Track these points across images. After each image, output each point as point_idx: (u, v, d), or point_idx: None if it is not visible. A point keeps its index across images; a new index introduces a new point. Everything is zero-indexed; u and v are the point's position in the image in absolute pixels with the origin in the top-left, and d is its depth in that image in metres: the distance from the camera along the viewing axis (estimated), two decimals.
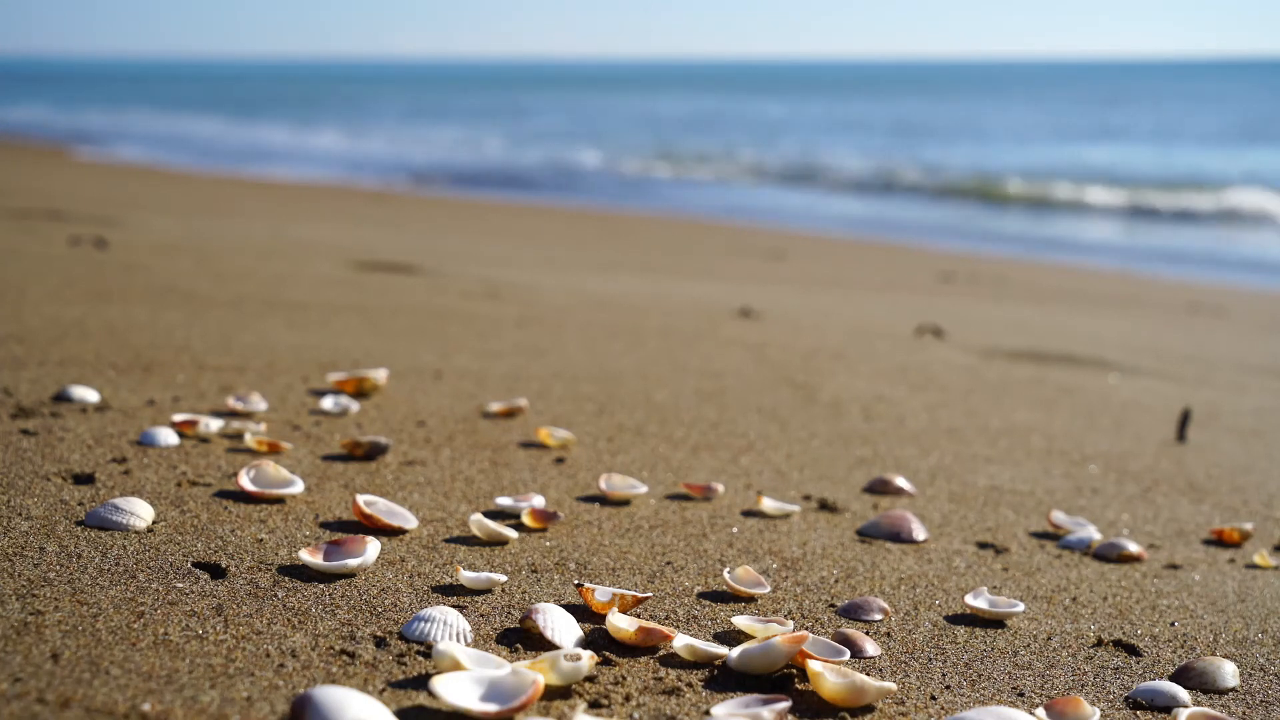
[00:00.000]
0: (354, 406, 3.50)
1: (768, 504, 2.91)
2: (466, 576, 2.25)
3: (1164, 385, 5.21)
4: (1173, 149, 28.70)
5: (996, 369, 5.21)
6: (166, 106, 45.46)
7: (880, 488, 3.19)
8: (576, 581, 2.35)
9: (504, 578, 2.27)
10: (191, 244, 7.37)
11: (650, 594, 2.29)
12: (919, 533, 2.82)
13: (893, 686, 1.93)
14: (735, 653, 1.99)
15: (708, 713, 1.82)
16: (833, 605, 2.36)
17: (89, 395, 3.32)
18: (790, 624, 2.16)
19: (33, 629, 1.87)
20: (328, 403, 3.49)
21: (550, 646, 2.01)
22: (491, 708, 1.72)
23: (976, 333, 6.34)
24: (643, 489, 2.96)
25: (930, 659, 2.15)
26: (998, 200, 19.07)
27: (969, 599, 2.37)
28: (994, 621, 2.34)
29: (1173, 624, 2.43)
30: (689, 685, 1.93)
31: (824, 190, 20.65)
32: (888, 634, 2.24)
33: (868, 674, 2.04)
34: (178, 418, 3.08)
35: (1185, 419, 4.15)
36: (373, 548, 2.29)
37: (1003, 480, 3.42)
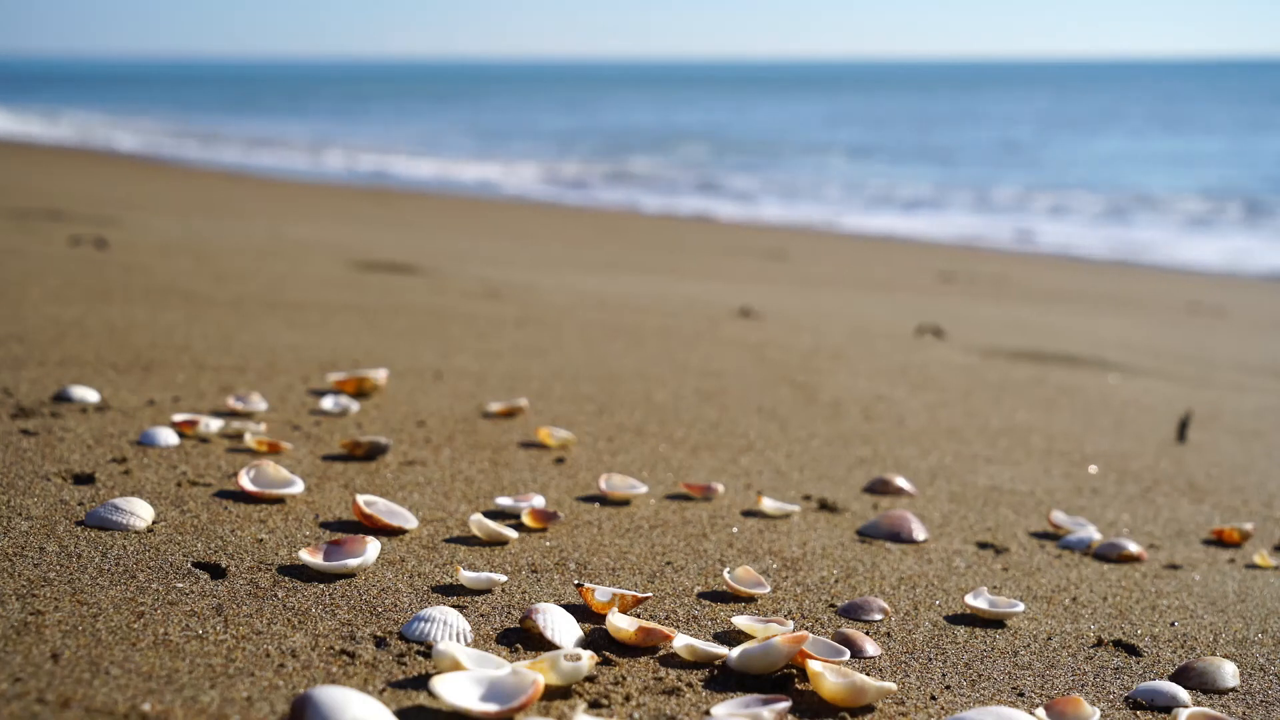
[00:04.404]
0: (354, 406, 3.50)
1: (768, 504, 2.91)
2: (466, 576, 2.25)
3: (1164, 385, 5.21)
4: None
5: (996, 369, 5.21)
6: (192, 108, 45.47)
7: (880, 488, 3.19)
8: (576, 581, 2.35)
9: (504, 578, 2.27)
10: (191, 244, 7.37)
11: (650, 594, 2.29)
12: (919, 533, 2.82)
13: (893, 686, 1.92)
14: (735, 653, 1.99)
15: (708, 713, 1.82)
16: (833, 605, 2.36)
17: (89, 395, 3.32)
18: (790, 624, 2.16)
19: (33, 629, 1.87)
20: (328, 403, 3.49)
21: (550, 646, 2.01)
22: (491, 708, 1.72)
23: (976, 333, 6.34)
24: (643, 489, 2.96)
25: (930, 659, 2.15)
26: None
27: (969, 599, 2.37)
28: (994, 621, 2.34)
29: (1173, 624, 2.43)
30: (689, 685, 1.92)
31: None
32: (888, 634, 2.24)
33: (868, 674, 2.04)
34: (178, 418, 3.08)
35: (1185, 422, 4.15)
36: (373, 548, 2.29)
37: (1003, 480, 3.42)
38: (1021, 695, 2.03)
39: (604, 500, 2.90)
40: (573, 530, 2.66)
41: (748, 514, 2.90)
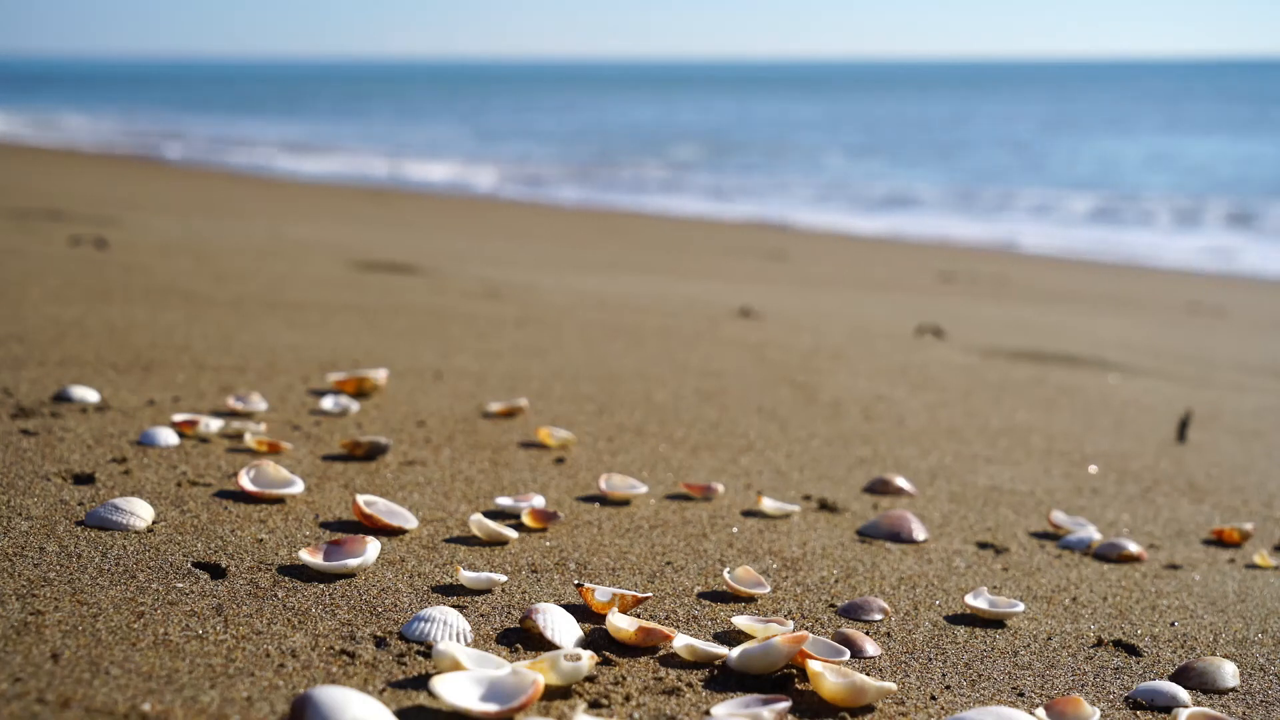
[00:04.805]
0: (354, 406, 3.50)
1: (768, 504, 2.91)
2: (466, 576, 2.25)
3: (1164, 385, 5.21)
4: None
5: (996, 369, 5.21)
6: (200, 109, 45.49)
7: (880, 488, 3.19)
8: (576, 581, 2.35)
9: (504, 578, 2.27)
10: (191, 244, 7.37)
11: (650, 594, 2.29)
12: (919, 533, 2.82)
13: (893, 686, 1.92)
14: (735, 653, 1.99)
15: (708, 713, 1.82)
16: (833, 605, 2.36)
17: (89, 395, 3.32)
18: (790, 624, 2.16)
19: (33, 629, 1.87)
20: (328, 403, 3.49)
21: (550, 646, 2.01)
22: (491, 708, 1.72)
23: (976, 333, 6.34)
24: (643, 489, 2.96)
25: (930, 659, 2.15)
26: None
27: (969, 599, 2.37)
28: (994, 621, 2.34)
29: (1173, 624, 2.43)
30: (689, 685, 1.92)
31: None
32: (888, 634, 2.24)
33: (868, 674, 2.04)
34: (178, 418, 3.08)
35: (1186, 422, 4.15)
36: (373, 548, 2.29)
37: (1003, 480, 3.42)
38: (1021, 695, 2.03)
39: (604, 500, 2.90)
40: (573, 530, 2.66)
41: (748, 514, 2.90)
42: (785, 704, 1.81)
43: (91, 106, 43.92)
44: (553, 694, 1.83)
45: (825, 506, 3.01)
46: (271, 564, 2.27)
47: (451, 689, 1.74)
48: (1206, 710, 1.96)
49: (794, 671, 2.00)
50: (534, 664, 1.84)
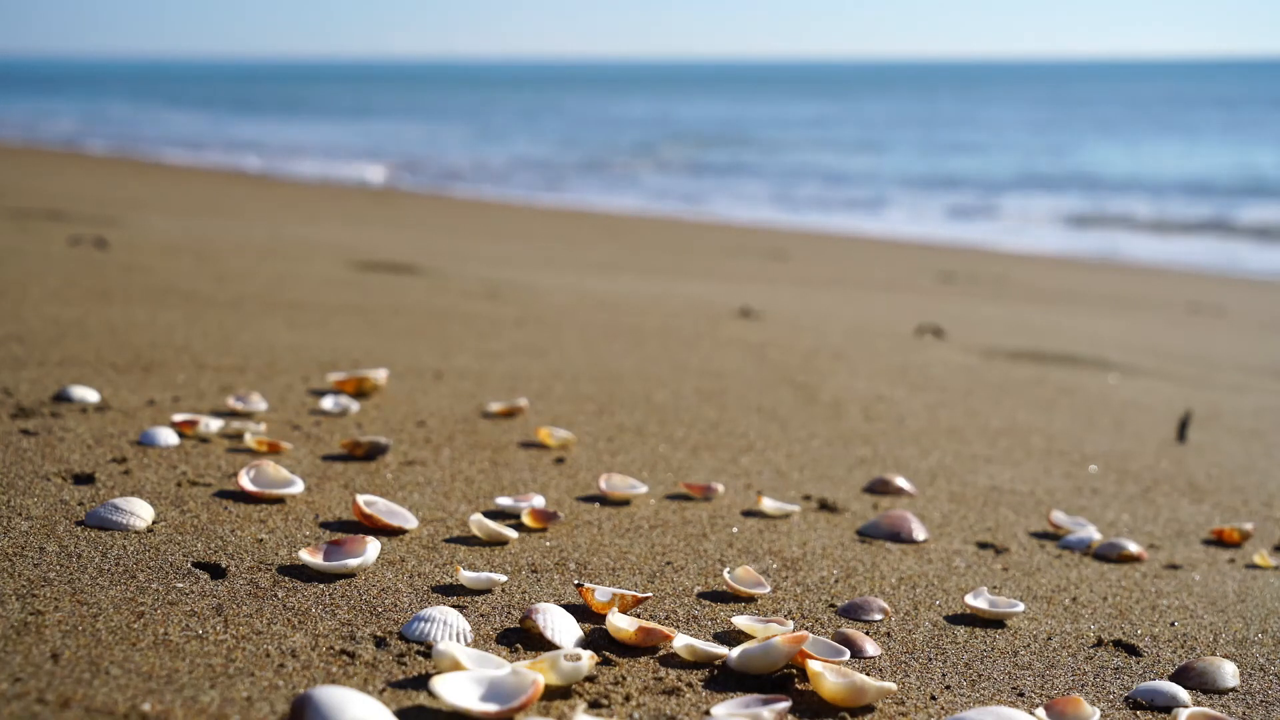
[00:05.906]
0: (354, 406, 3.50)
1: (768, 504, 2.91)
2: (466, 576, 2.25)
3: (1164, 385, 5.21)
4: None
5: (996, 369, 5.21)
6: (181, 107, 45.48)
7: (880, 488, 3.19)
8: (576, 581, 2.35)
9: (504, 578, 2.27)
10: (191, 244, 7.37)
11: (650, 594, 2.29)
12: (919, 533, 2.82)
13: (893, 686, 1.92)
14: (735, 653, 1.99)
15: (708, 713, 1.82)
16: (833, 605, 2.36)
17: (89, 395, 3.32)
18: (790, 624, 2.16)
19: (33, 629, 1.87)
20: (328, 403, 3.49)
21: (550, 646, 2.01)
22: (491, 708, 1.72)
23: (976, 333, 6.34)
24: (643, 489, 2.96)
25: (930, 659, 2.15)
26: None
27: (969, 599, 2.37)
28: (994, 621, 2.34)
29: (1173, 624, 2.43)
30: (689, 685, 1.92)
31: None
32: (888, 634, 2.24)
33: (868, 674, 2.04)
34: (178, 418, 3.08)
35: (1186, 422, 4.15)
36: (373, 548, 2.30)
37: (1003, 480, 3.42)
38: (1021, 695, 2.03)
39: (604, 500, 2.90)
40: (573, 530, 2.66)
41: (748, 514, 2.90)
42: (785, 704, 1.81)
43: (84, 106, 43.89)
44: (553, 694, 1.83)
45: (825, 506, 3.01)
46: (271, 564, 2.27)
47: (451, 689, 1.74)
48: (1206, 710, 1.96)
49: (794, 671, 2.00)
50: (534, 664, 1.84)
